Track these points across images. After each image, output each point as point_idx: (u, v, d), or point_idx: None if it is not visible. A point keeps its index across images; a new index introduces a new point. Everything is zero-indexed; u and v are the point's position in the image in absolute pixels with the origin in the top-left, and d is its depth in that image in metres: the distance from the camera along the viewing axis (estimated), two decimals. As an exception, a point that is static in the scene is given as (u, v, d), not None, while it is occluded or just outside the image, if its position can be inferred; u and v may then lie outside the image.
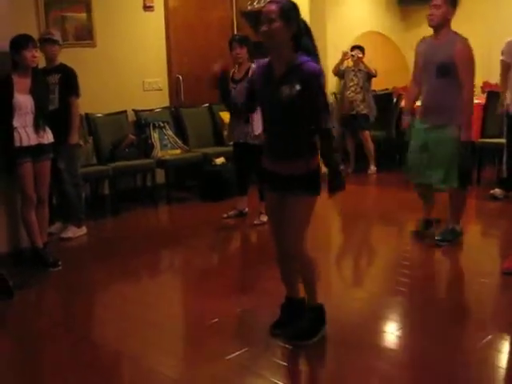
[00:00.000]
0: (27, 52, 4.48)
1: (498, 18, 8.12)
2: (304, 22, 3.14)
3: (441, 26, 4.58)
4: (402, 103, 8.19)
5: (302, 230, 3.22)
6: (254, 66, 5.64)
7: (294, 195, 3.16)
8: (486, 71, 7.28)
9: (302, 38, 3.09)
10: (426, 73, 4.69)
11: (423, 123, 4.74)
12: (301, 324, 3.33)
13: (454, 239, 4.88)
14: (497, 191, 6.39)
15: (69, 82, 5.29)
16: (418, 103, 5.00)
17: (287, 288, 3.44)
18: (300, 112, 3.09)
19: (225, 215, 5.97)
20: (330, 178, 3.21)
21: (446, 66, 4.44)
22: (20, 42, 4.49)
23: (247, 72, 5.56)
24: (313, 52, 3.13)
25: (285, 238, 3.23)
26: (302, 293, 3.42)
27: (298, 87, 3.03)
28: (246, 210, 6.01)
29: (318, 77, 3.07)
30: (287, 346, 3.26)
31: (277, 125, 3.19)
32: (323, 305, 3.38)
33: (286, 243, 3.24)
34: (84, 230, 5.64)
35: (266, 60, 3.21)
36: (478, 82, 6.71)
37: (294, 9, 3.07)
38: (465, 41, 4.53)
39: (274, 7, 3.03)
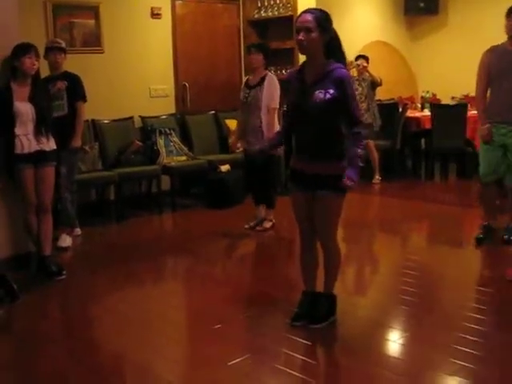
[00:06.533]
0: (27, 59, 4.44)
1: None
2: (334, 31, 3.32)
3: None
4: (408, 112, 8.26)
5: (335, 224, 3.50)
6: (270, 74, 5.64)
7: (324, 194, 3.36)
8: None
9: (333, 45, 3.29)
10: (503, 77, 4.83)
11: (500, 129, 4.84)
12: (316, 309, 3.58)
13: None
14: None
15: (76, 87, 5.35)
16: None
17: (307, 282, 3.67)
18: (333, 115, 3.27)
19: (246, 226, 5.84)
20: (349, 170, 3.29)
21: None
22: (22, 48, 4.47)
23: (263, 79, 5.53)
24: (342, 59, 3.34)
25: (320, 231, 3.48)
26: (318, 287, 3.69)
27: (332, 91, 3.21)
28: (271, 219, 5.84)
29: (349, 81, 3.30)
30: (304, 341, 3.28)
31: (310, 128, 3.35)
32: (337, 296, 3.63)
33: (321, 236, 3.50)
34: (78, 231, 5.71)
35: (296, 68, 3.41)
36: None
37: (328, 19, 3.28)
38: None
39: (309, 17, 3.23)
